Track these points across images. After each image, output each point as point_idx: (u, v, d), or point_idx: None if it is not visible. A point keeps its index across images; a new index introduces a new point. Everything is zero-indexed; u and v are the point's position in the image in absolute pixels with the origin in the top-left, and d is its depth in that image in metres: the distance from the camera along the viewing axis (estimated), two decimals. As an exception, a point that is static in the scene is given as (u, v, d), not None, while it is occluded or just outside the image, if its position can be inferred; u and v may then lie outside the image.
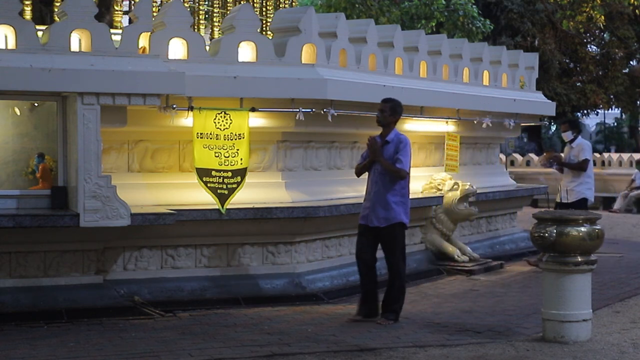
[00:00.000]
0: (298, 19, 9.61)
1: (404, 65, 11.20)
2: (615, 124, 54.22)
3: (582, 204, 11.32)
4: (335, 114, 9.51)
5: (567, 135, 11.80)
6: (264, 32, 13.06)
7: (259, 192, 9.31)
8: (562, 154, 12.05)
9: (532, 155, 27.47)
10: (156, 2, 12.89)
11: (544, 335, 7.31)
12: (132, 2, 13.16)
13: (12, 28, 8.01)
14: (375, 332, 7.62)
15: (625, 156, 25.51)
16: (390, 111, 8.13)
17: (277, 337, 7.37)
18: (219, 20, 13.35)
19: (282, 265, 9.41)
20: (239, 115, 9.01)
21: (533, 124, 15.17)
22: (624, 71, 32.22)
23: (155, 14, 10.01)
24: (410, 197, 10.90)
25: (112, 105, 8.08)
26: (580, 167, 11.46)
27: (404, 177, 7.96)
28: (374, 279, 8.17)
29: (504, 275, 11.22)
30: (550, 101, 15.14)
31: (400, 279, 8.04)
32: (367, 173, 8.22)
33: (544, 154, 12.59)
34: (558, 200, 11.67)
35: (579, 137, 11.78)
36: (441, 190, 11.50)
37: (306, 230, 9.45)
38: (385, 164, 7.96)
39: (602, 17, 24.15)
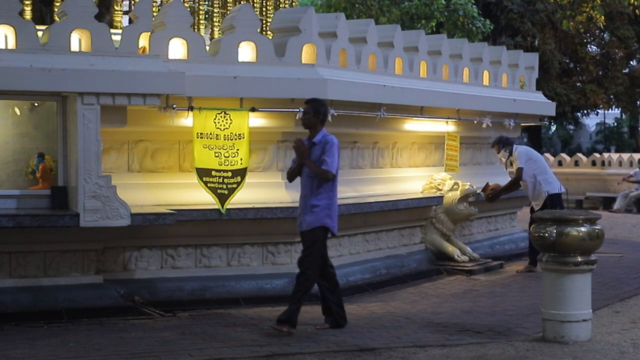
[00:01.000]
0: (298, 19, 9.61)
1: (404, 65, 11.20)
2: (615, 124, 54.23)
3: (555, 200, 11.04)
4: (335, 113, 9.51)
5: (504, 155, 11.49)
6: (264, 32, 13.06)
7: (259, 192, 9.32)
8: (495, 184, 11.76)
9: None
10: (156, 2, 12.89)
11: (544, 335, 7.32)
12: (132, 2, 13.16)
13: (12, 28, 8.02)
14: (375, 332, 7.62)
15: (625, 156, 25.51)
16: (313, 112, 7.72)
17: (277, 337, 7.37)
18: (219, 20, 13.35)
19: (282, 265, 9.41)
20: (239, 115, 9.01)
21: (533, 124, 15.18)
22: (624, 71, 32.21)
23: (155, 14, 10.01)
24: (411, 197, 11.12)
25: (112, 105, 8.08)
26: (515, 182, 11.29)
27: (331, 178, 7.55)
28: (328, 284, 7.77)
29: (504, 275, 11.22)
30: (550, 101, 15.15)
31: (305, 286, 7.53)
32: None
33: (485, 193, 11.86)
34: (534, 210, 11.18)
35: (515, 147, 11.39)
36: (441, 190, 11.50)
37: (306, 230, 9.44)
38: (311, 166, 7.59)
39: (602, 17, 24.16)
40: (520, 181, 11.32)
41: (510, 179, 14.47)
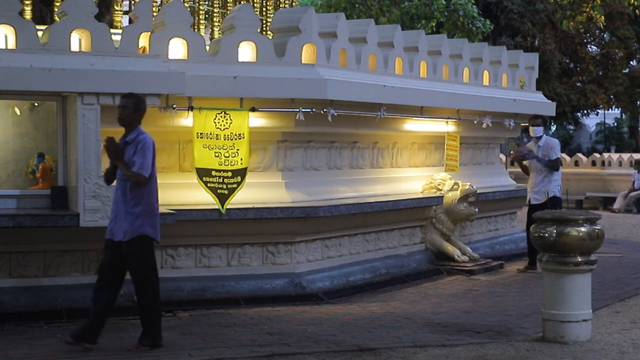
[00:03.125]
0: (298, 19, 9.61)
1: (404, 65, 11.20)
2: (615, 124, 54.19)
3: (557, 202, 11.02)
4: (335, 114, 9.51)
5: (537, 131, 11.25)
6: (264, 32, 13.06)
7: (259, 192, 9.31)
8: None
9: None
10: (156, 2, 12.89)
11: (544, 335, 7.31)
12: (132, 2, 13.17)
13: (12, 28, 8.02)
14: (375, 332, 7.62)
15: (625, 156, 25.51)
16: (134, 108, 6.98)
17: (277, 337, 7.37)
18: (219, 20, 13.35)
19: (282, 265, 9.41)
20: (239, 115, 9.01)
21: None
22: (624, 71, 32.19)
23: (155, 14, 10.00)
24: (411, 197, 11.12)
25: (112, 105, 8.07)
26: (554, 166, 11.09)
27: (142, 182, 6.81)
28: (108, 300, 6.95)
29: (504, 275, 11.22)
30: (550, 101, 15.14)
31: (149, 299, 6.93)
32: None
33: (512, 151, 11.93)
34: (530, 203, 11.19)
35: (544, 135, 11.37)
36: (441, 190, 11.50)
37: (306, 230, 9.45)
38: (122, 167, 6.87)
39: (602, 17, 24.18)
40: (526, 167, 11.30)
41: (508, 178, 14.51)
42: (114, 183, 7.07)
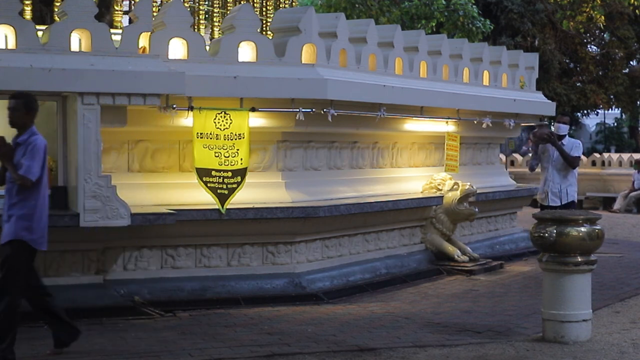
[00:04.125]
0: (298, 19, 9.61)
1: (404, 65, 11.20)
2: (615, 124, 54.19)
3: (572, 207, 10.56)
4: (335, 114, 9.51)
5: (563, 129, 10.75)
6: (264, 32, 13.06)
7: (259, 192, 9.31)
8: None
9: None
10: (156, 2, 12.89)
11: (544, 335, 7.31)
12: (132, 2, 13.16)
13: (12, 28, 8.02)
14: (375, 332, 7.62)
15: (625, 156, 25.50)
16: (25, 108, 6.66)
17: (277, 337, 7.38)
18: (219, 20, 13.35)
19: (282, 265, 9.41)
20: (239, 115, 9.01)
21: (533, 124, 15.16)
22: (624, 71, 32.20)
23: (155, 14, 10.01)
24: (411, 197, 11.11)
25: (112, 105, 8.08)
26: (574, 162, 10.56)
27: (28, 185, 6.49)
28: (35, 304, 6.83)
29: (504, 275, 11.22)
30: (550, 101, 15.15)
31: (5, 308, 6.46)
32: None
33: (531, 134, 10.57)
34: (544, 203, 10.64)
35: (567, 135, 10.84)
36: (441, 190, 11.50)
37: (306, 230, 9.45)
38: (10, 169, 6.55)
39: (602, 17, 24.18)
40: (531, 166, 10.91)
41: (508, 178, 14.51)
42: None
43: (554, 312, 7.23)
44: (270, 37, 10.62)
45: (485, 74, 13.14)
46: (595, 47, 32.92)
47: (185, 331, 7.63)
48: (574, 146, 10.68)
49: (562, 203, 10.51)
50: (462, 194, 11.40)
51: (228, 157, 8.99)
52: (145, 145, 9.15)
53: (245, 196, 9.09)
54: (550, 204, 10.54)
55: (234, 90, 8.98)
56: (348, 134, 10.51)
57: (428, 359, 6.74)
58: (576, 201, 10.76)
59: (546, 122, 10.27)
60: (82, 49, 8.28)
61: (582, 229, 7.19)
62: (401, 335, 7.47)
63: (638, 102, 35.39)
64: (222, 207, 8.90)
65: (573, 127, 51.52)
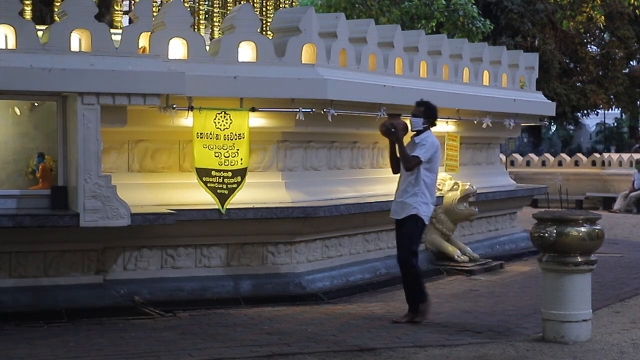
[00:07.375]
0: (298, 19, 9.61)
1: (404, 65, 11.20)
2: (615, 124, 54.20)
3: (411, 222, 7.99)
4: (335, 114, 9.51)
5: (416, 123, 8.12)
6: (264, 32, 13.06)
7: (259, 192, 9.31)
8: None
9: (532, 155, 27.47)
10: (156, 2, 12.89)
11: (544, 335, 7.31)
12: (132, 2, 13.16)
13: (12, 28, 8.01)
14: (375, 332, 7.62)
15: (625, 156, 25.50)
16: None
17: (277, 337, 7.38)
18: (219, 20, 13.35)
19: (282, 265, 9.41)
20: (239, 115, 9.01)
21: (533, 124, 15.18)
22: (624, 71, 32.20)
23: (155, 14, 10.01)
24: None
25: (112, 105, 8.08)
26: (406, 162, 7.96)
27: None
28: None
29: (504, 275, 11.22)
30: (550, 101, 15.15)
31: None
32: None
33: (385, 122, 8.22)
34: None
35: (429, 132, 8.15)
36: (441, 190, 11.49)
37: (306, 230, 9.45)
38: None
39: (602, 17, 24.16)
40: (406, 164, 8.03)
41: (508, 178, 14.51)
42: None
43: (554, 312, 7.23)
44: (270, 37, 10.62)
45: (485, 74, 13.14)
46: (595, 47, 32.91)
47: (185, 331, 7.62)
48: (421, 145, 8.01)
49: (400, 217, 8.09)
50: (462, 194, 11.40)
51: (228, 157, 8.99)
52: (145, 145, 9.15)
53: (245, 196, 9.09)
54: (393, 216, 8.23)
55: (234, 90, 8.98)
56: (348, 134, 10.51)
57: (428, 359, 6.74)
58: (421, 216, 7.97)
59: (398, 113, 8.29)
60: (82, 49, 8.28)
61: (582, 229, 7.19)
62: (401, 335, 7.47)
63: (638, 102, 35.40)
64: (222, 207, 8.90)
65: (573, 127, 51.62)
